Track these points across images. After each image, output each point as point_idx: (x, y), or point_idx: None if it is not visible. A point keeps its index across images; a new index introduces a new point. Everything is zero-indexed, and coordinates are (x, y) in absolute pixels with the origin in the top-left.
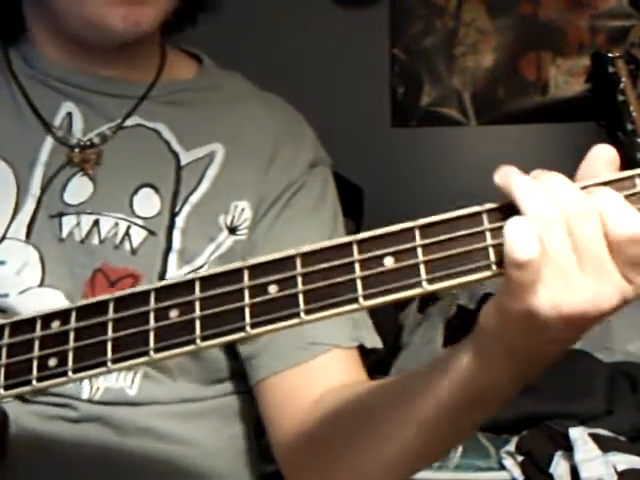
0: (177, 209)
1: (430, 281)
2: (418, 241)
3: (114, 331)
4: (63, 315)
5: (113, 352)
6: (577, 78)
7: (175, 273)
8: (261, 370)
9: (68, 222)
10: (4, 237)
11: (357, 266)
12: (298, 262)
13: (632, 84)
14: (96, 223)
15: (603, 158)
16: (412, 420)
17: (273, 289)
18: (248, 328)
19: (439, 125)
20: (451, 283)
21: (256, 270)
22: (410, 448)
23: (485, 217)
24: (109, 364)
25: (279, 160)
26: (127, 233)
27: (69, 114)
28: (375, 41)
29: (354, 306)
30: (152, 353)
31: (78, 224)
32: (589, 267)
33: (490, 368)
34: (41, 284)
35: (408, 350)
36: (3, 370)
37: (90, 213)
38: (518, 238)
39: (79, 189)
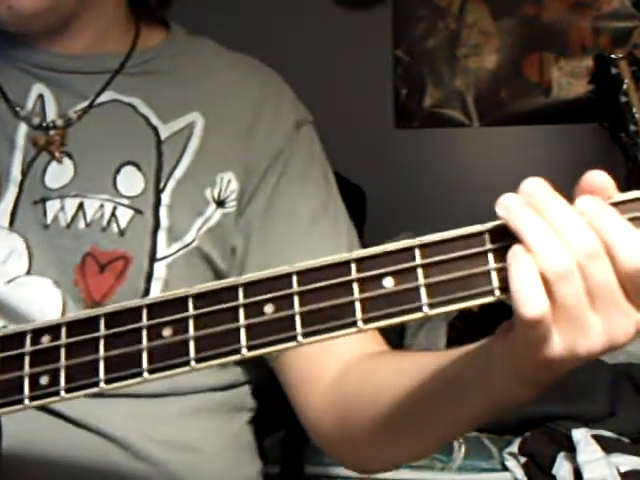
0: (162, 185)
1: (431, 305)
2: (418, 261)
3: (106, 349)
4: (53, 330)
5: (106, 372)
6: (580, 79)
7: (165, 251)
8: None
9: (52, 207)
10: None
11: (356, 286)
12: (294, 280)
13: (635, 85)
14: (81, 206)
15: (594, 186)
16: (436, 423)
17: (269, 309)
18: (244, 350)
19: (442, 126)
20: (453, 308)
21: (251, 288)
22: (427, 443)
23: (487, 237)
24: (102, 384)
25: (261, 126)
26: (113, 214)
27: (40, 96)
28: (378, 42)
29: (353, 329)
30: (146, 374)
31: (62, 208)
32: (601, 305)
33: (501, 390)
34: (28, 272)
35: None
36: None
37: (74, 196)
38: (525, 293)
39: (59, 172)
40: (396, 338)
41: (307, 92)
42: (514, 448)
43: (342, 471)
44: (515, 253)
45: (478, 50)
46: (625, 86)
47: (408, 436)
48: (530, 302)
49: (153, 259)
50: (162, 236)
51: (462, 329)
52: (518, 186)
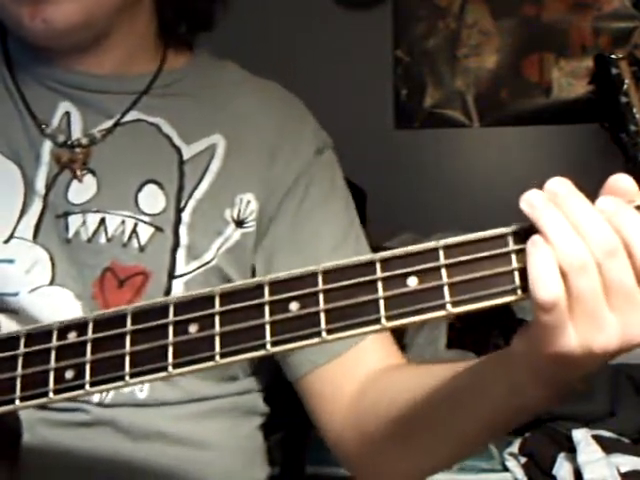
0: (182, 204)
1: (454, 304)
2: (442, 261)
3: (132, 344)
4: (80, 326)
5: (131, 366)
6: (580, 80)
7: (184, 269)
8: (302, 366)
9: (74, 222)
10: (12, 236)
11: (380, 285)
12: (320, 279)
13: (635, 86)
14: (102, 221)
15: (617, 188)
16: (451, 434)
17: (294, 306)
18: (268, 346)
19: (442, 127)
20: (476, 306)
21: (277, 286)
22: (444, 457)
23: (510, 239)
24: (127, 378)
25: (283, 151)
26: (134, 230)
27: (67, 113)
28: (378, 43)
29: (376, 327)
30: (170, 368)
31: (84, 223)
32: (618, 302)
33: (520, 392)
34: (51, 283)
35: (411, 351)
36: (19, 381)
37: (96, 212)
38: (541, 277)
39: (82, 188)
40: (396, 338)
41: (307, 92)
42: (514, 448)
43: (343, 471)
44: (535, 242)
45: (478, 50)
46: (625, 86)
47: (424, 442)
48: (545, 285)
49: (172, 276)
50: (181, 254)
51: (462, 329)
52: (518, 186)
